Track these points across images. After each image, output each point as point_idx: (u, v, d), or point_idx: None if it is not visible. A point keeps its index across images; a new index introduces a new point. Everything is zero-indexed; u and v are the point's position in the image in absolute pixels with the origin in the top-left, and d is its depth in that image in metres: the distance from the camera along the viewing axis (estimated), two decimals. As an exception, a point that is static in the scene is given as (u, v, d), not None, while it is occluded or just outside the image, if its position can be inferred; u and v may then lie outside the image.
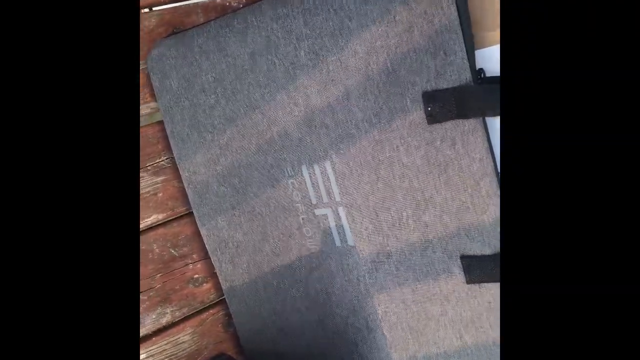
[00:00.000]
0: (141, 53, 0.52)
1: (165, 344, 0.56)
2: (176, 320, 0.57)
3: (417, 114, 0.40)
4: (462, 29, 0.38)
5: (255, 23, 0.45)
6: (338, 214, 0.47)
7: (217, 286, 0.58)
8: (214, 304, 0.59)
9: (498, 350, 0.42)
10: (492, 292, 0.41)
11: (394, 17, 0.39)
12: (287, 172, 0.48)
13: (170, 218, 0.56)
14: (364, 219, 0.45)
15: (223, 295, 0.58)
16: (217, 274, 0.56)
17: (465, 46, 0.38)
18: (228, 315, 0.58)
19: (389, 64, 0.40)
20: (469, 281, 0.41)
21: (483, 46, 0.42)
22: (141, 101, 0.53)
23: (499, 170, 0.40)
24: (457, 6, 0.37)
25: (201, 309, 0.58)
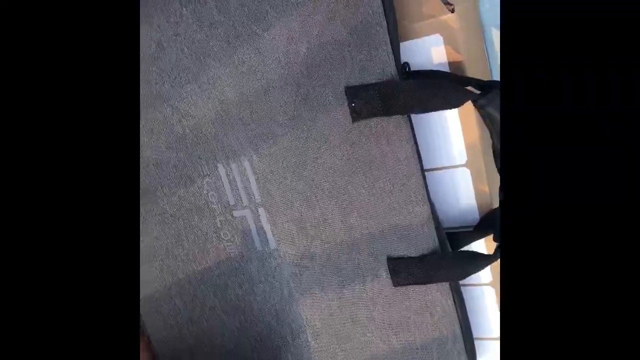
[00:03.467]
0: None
1: None
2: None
3: (341, 110, 0.37)
4: (387, 21, 0.35)
5: (162, 8, 0.40)
6: (258, 215, 0.43)
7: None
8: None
9: (424, 354, 0.41)
10: (419, 294, 0.40)
11: (315, 4, 0.36)
12: (202, 170, 0.44)
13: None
14: (287, 221, 0.42)
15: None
16: None
17: (390, 39, 0.35)
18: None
19: (309, 56, 0.37)
20: (396, 284, 0.40)
21: (407, 38, 0.40)
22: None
23: (424, 169, 0.38)
24: None
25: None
